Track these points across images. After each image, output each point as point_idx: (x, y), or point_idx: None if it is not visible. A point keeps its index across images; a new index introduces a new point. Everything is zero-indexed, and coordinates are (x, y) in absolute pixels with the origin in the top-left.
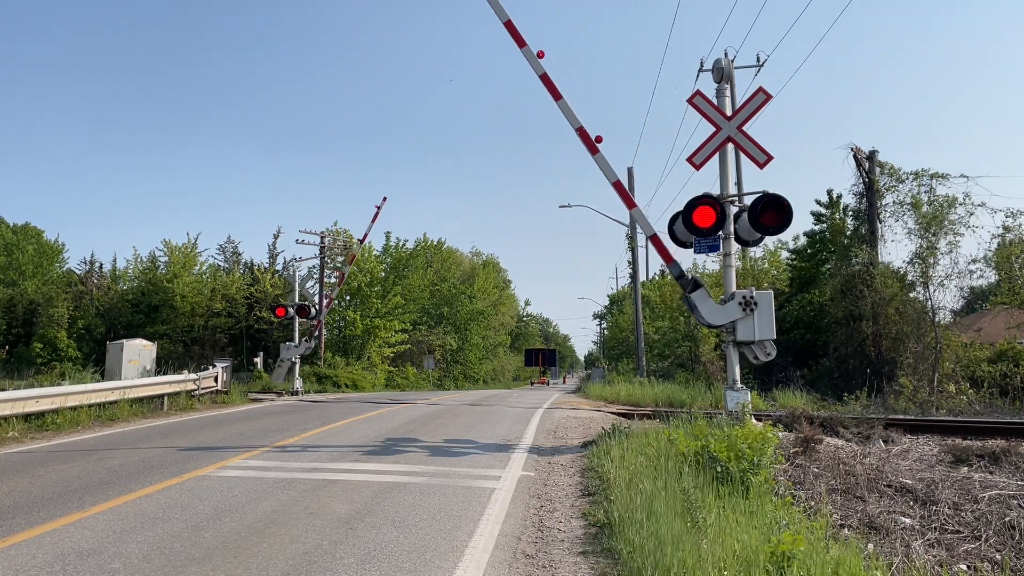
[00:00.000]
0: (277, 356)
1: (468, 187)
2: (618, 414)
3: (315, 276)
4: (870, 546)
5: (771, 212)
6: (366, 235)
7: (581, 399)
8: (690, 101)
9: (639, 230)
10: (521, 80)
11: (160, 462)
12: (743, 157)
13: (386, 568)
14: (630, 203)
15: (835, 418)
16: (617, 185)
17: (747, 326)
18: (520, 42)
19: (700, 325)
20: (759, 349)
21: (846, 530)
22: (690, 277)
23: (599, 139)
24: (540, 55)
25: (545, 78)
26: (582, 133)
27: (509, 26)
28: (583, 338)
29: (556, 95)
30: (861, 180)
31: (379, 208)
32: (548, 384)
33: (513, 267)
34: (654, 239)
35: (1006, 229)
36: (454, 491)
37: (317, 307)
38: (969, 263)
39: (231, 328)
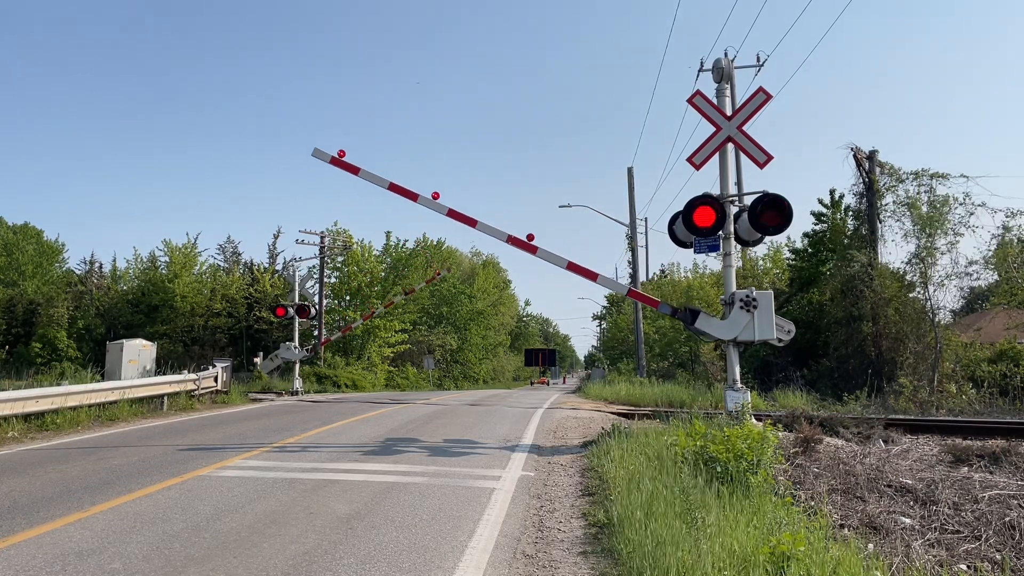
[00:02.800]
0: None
1: (468, 186)
2: (618, 414)
3: (315, 276)
4: (870, 546)
5: (771, 212)
6: (413, 289)
7: (581, 399)
8: (690, 101)
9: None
10: (520, 80)
11: (160, 462)
12: (743, 157)
13: (386, 568)
14: (591, 276)
15: (835, 418)
16: (571, 266)
17: (748, 327)
18: (412, 197)
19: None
20: (780, 332)
21: (846, 530)
22: (683, 309)
23: (531, 237)
24: (436, 196)
25: (452, 213)
26: (512, 241)
27: (394, 188)
28: (583, 338)
29: (471, 223)
30: (861, 180)
31: (437, 274)
32: (548, 384)
33: (513, 267)
34: (631, 293)
35: (1006, 229)
36: (454, 491)
37: (317, 307)
38: (968, 264)
39: (231, 328)
